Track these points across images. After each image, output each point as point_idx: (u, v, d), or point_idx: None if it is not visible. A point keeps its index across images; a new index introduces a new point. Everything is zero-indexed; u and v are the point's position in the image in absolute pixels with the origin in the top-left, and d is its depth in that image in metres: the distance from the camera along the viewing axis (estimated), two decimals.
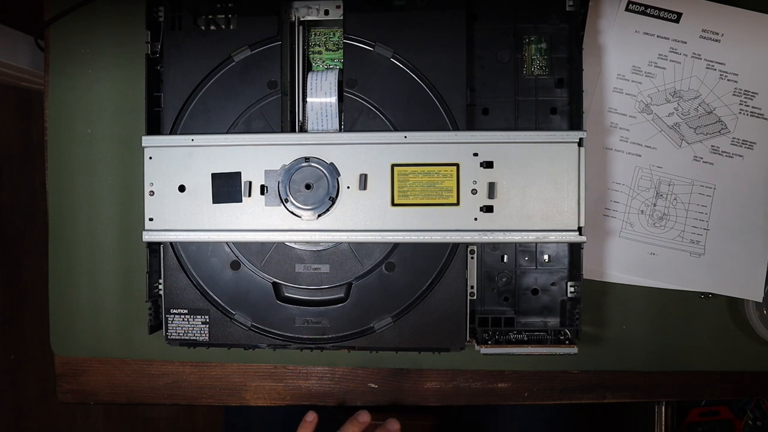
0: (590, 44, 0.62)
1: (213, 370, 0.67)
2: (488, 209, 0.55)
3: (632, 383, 0.64)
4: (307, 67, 0.61)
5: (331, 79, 0.58)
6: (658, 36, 0.62)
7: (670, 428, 1.14)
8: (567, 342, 0.57)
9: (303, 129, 0.60)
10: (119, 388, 0.67)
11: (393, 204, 0.56)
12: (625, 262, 0.63)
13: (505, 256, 0.59)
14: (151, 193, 0.58)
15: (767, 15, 0.61)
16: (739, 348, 0.63)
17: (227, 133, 0.58)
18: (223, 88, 0.58)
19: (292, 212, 0.57)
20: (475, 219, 0.55)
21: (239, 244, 0.58)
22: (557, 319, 0.59)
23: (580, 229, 0.55)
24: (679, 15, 0.62)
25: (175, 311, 0.59)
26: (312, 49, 0.62)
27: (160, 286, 0.60)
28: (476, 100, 0.58)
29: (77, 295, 0.66)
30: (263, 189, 0.57)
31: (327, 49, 0.62)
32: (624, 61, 0.62)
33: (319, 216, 0.56)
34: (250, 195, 0.57)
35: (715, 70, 0.62)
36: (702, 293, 0.63)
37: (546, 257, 0.59)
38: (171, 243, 0.58)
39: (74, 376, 0.67)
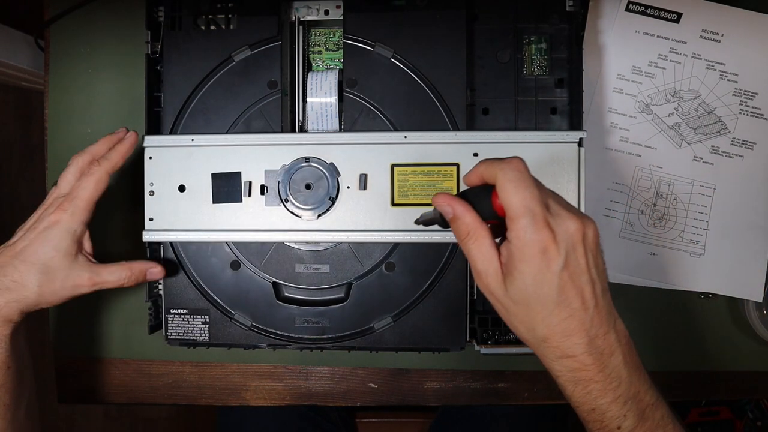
0: (590, 44, 0.62)
1: (213, 370, 0.67)
2: None
3: None
4: (307, 67, 0.61)
5: (331, 79, 0.58)
6: (658, 36, 0.62)
7: None
8: None
9: (303, 129, 0.60)
10: (119, 388, 0.67)
11: (393, 204, 0.56)
12: (625, 262, 0.63)
13: None
14: (151, 193, 0.58)
15: (767, 15, 0.61)
16: (739, 348, 0.63)
17: (227, 133, 0.58)
18: (223, 88, 0.58)
19: (292, 212, 0.57)
20: None
21: (239, 244, 0.58)
22: None
23: None
24: (679, 15, 0.62)
25: (175, 311, 0.59)
26: (312, 49, 0.62)
27: (160, 286, 0.60)
28: (476, 100, 0.58)
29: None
30: (263, 189, 0.57)
31: (327, 49, 0.62)
32: (624, 61, 0.62)
33: (319, 216, 0.56)
34: (250, 195, 0.57)
35: (715, 70, 0.62)
36: (702, 293, 0.63)
37: None
38: (171, 243, 0.58)
39: (74, 376, 0.67)
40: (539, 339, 0.40)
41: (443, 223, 0.43)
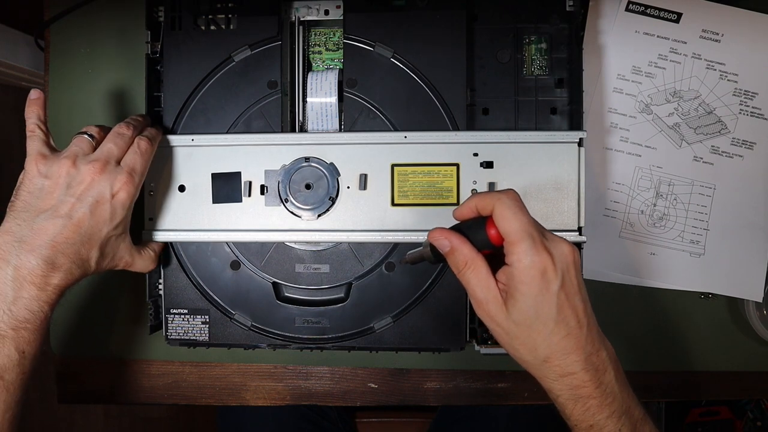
0: (590, 44, 0.62)
1: (213, 370, 0.67)
2: None
3: (632, 383, 0.64)
4: (307, 67, 0.61)
5: (331, 79, 0.58)
6: (658, 36, 0.62)
7: (671, 428, 1.14)
8: None
9: (303, 129, 0.60)
10: (119, 388, 0.67)
11: (393, 204, 0.56)
12: (625, 262, 0.63)
13: None
14: (151, 193, 0.58)
15: (767, 15, 0.61)
16: (739, 348, 0.63)
17: (227, 133, 0.58)
18: (223, 88, 0.58)
19: (292, 212, 0.57)
20: None
21: (239, 244, 0.58)
22: None
23: (580, 229, 0.55)
24: (679, 15, 0.62)
25: (175, 311, 0.59)
26: (312, 49, 0.62)
27: (160, 286, 0.60)
28: (476, 100, 0.58)
29: (77, 295, 0.66)
30: (263, 189, 0.57)
31: (327, 49, 0.62)
32: (624, 61, 0.62)
33: (319, 216, 0.56)
34: (250, 195, 0.57)
35: (715, 70, 0.62)
36: (702, 293, 0.63)
37: None
38: (171, 243, 0.58)
39: (74, 376, 0.67)
40: (541, 360, 0.42)
41: (435, 258, 0.44)
